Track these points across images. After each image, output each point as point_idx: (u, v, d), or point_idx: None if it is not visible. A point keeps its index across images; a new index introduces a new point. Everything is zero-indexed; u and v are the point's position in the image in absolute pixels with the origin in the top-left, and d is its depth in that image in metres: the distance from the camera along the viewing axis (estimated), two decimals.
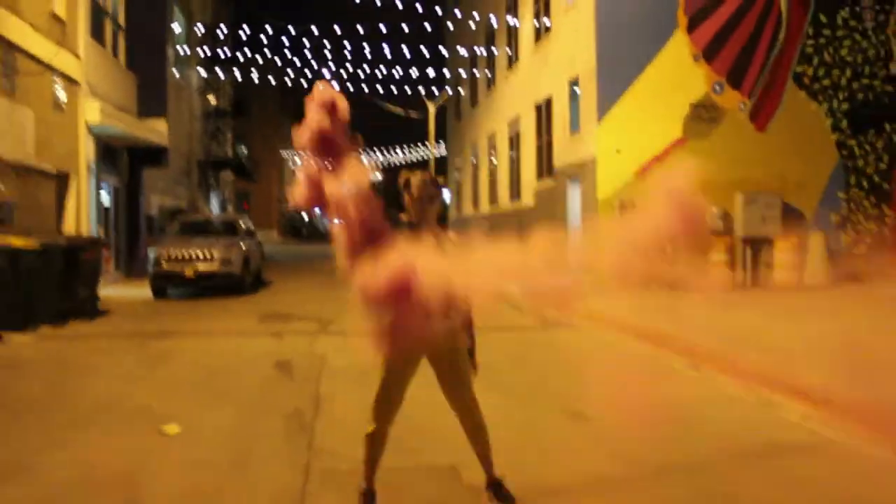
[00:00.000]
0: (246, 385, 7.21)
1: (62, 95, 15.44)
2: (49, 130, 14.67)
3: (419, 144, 57.14)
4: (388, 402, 3.97)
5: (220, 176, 33.91)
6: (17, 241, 10.36)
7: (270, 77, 32.98)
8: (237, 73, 29.26)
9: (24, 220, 12.80)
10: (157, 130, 20.44)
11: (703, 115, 16.98)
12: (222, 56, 28.32)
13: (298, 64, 30.84)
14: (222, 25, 28.01)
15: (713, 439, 5.37)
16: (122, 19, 20.26)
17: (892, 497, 4.33)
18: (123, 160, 20.19)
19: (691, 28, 16.94)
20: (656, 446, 5.05)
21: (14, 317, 10.08)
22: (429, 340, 3.73)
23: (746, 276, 16.31)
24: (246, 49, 26.71)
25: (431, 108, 42.26)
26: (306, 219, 69.19)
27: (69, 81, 15.82)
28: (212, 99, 30.89)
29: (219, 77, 30.40)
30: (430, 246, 3.54)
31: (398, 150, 60.96)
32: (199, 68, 28.03)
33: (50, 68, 14.70)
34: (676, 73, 16.75)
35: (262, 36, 28.79)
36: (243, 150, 42.22)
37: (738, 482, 4.49)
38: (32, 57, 13.88)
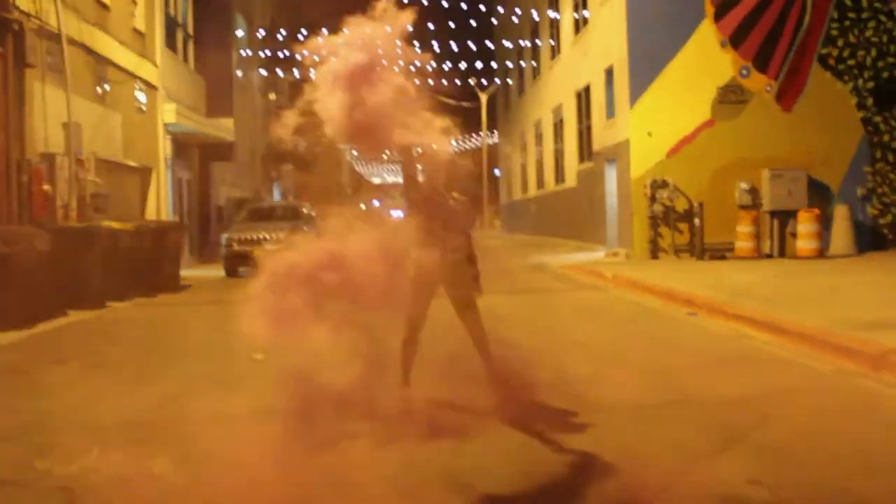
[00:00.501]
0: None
1: (143, 100, 17.30)
2: (133, 131, 16.53)
3: (473, 134, 58.55)
4: (417, 319, 5.43)
5: (281, 168, 35.87)
6: (115, 224, 12.16)
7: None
8: (295, 72, 31.00)
9: (114, 209, 14.64)
10: (224, 128, 22.32)
11: (730, 98, 17.97)
12: (281, 56, 30.09)
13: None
14: (281, 29, 29.80)
15: (680, 356, 6.70)
16: (190, 28, 22.15)
17: (810, 388, 5.58)
18: (195, 156, 22.10)
19: (718, 16, 17.94)
20: (634, 361, 6.44)
21: (114, 288, 11.84)
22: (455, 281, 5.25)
23: (774, 246, 17.32)
24: (303, 50, 28.37)
25: (483, 98, 43.76)
26: (363, 208, 71.57)
27: (149, 87, 17.69)
28: (272, 97, 32.81)
29: (278, 76, 32.23)
30: None
31: (453, 141, 62.97)
32: (260, 69, 29.92)
33: (133, 76, 16.59)
34: (704, 60, 17.76)
35: (318, 37, 30.25)
36: (301, 143, 44.17)
37: (687, 379, 5.83)
38: (119, 67, 15.75)
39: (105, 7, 15.19)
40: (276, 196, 34.80)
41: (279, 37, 28.71)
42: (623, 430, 4.54)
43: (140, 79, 17.02)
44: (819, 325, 7.02)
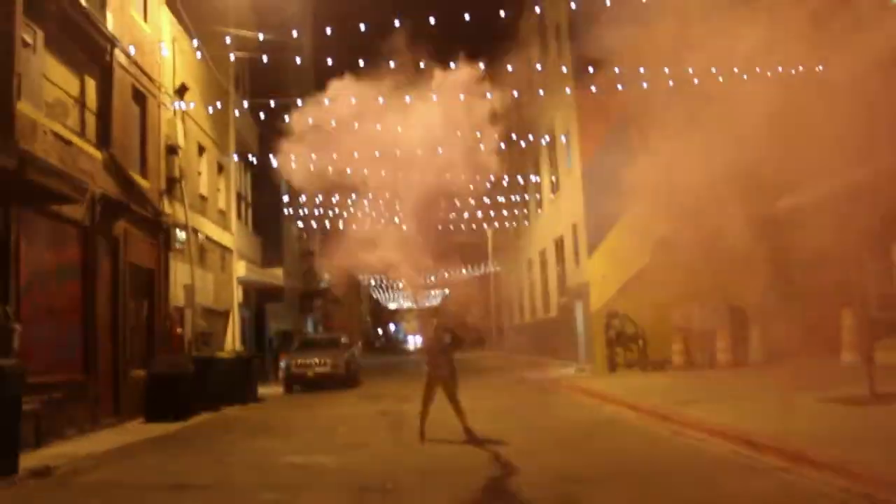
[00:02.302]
0: (366, 420, 14.24)
1: (224, 260, 23.29)
2: (219, 284, 22.42)
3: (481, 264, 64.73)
4: (427, 399, 10.96)
5: (313, 303, 41.78)
6: (222, 354, 17.81)
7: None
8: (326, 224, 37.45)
9: (211, 342, 20.31)
10: (275, 275, 28.32)
11: (666, 247, 23.75)
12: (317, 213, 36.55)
13: (373, 214, 38.54)
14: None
15: (573, 423, 12.11)
16: (250, 198, 28.46)
17: (625, 431, 10.95)
18: (253, 298, 27.96)
19: None
20: (550, 427, 11.88)
21: (222, 397, 17.30)
22: (440, 376, 10.82)
23: (704, 359, 22.66)
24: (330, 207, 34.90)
25: (489, 234, 50.07)
26: (380, 333, 78.11)
27: (227, 250, 23.73)
28: (306, 243, 39.11)
29: (311, 226, 38.62)
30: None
31: (464, 269, 70.32)
32: (298, 221, 36.27)
33: (219, 245, 22.62)
34: (643, 219, 23.66)
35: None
36: (326, 277, 50.31)
37: (564, 431, 11.24)
38: (211, 240, 21.78)
39: (204, 199, 21.39)
40: (309, 326, 40.49)
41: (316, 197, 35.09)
42: (518, 446, 9.99)
43: (223, 246, 23.06)
44: (654, 404, 12.43)
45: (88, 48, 14.09)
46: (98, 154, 14.18)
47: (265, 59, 18.79)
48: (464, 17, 17.14)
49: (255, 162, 27.14)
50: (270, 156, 28.03)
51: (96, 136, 14.44)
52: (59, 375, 11.99)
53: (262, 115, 23.53)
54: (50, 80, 12.83)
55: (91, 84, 14.55)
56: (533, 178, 31.49)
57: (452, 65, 15.17)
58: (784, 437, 8.31)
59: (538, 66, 27.76)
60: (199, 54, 19.64)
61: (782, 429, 8.82)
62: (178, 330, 17.64)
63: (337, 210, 36.06)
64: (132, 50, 15.49)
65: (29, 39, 11.94)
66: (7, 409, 8.61)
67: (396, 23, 16.17)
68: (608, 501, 6.78)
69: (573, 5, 20.53)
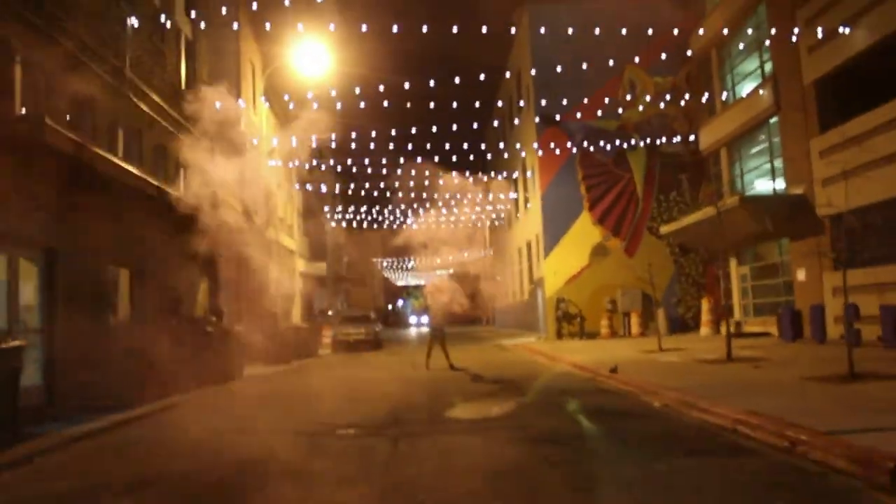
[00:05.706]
0: (394, 364, 24.33)
1: (291, 259, 33.40)
2: (288, 276, 32.51)
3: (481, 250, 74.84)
4: (430, 347, 21.07)
5: (342, 286, 52.02)
6: (300, 324, 27.97)
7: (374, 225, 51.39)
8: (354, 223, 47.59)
9: (286, 316, 30.43)
10: (321, 268, 38.48)
11: (599, 252, 33.82)
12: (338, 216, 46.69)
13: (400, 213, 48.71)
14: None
15: (516, 366, 22.16)
16: (301, 209, 38.49)
17: (545, 369, 20.99)
18: (305, 284, 38.10)
19: (591, 208, 34.02)
20: (498, 366, 22.00)
21: (302, 353, 27.39)
22: (437, 336, 21.00)
23: (624, 331, 32.78)
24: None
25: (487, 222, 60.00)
26: (391, 308, 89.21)
27: (291, 251, 33.82)
28: (338, 238, 49.23)
29: (342, 226, 48.76)
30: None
31: (466, 253, 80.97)
32: (332, 223, 46.38)
33: (287, 249, 32.74)
34: (585, 231, 33.71)
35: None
36: (346, 260, 60.55)
37: (509, 369, 21.31)
38: (283, 246, 31.86)
39: (282, 219, 31.48)
40: (339, 304, 50.79)
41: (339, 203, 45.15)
42: (475, 369, 20.06)
43: (289, 249, 33.17)
44: (558, 354, 22.48)
45: (237, 146, 24.13)
46: (240, 206, 24.25)
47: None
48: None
49: (309, 188, 37.18)
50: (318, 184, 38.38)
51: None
52: None
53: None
54: None
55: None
56: (512, 194, 41.56)
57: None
58: (591, 363, 18.41)
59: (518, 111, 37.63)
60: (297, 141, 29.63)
61: (598, 360, 18.92)
62: (274, 310, 27.80)
63: (362, 215, 46.31)
64: (255, 141, 25.54)
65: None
66: (241, 350, 18.76)
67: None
68: (509, 380, 16.75)
69: (535, 72, 30.49)
